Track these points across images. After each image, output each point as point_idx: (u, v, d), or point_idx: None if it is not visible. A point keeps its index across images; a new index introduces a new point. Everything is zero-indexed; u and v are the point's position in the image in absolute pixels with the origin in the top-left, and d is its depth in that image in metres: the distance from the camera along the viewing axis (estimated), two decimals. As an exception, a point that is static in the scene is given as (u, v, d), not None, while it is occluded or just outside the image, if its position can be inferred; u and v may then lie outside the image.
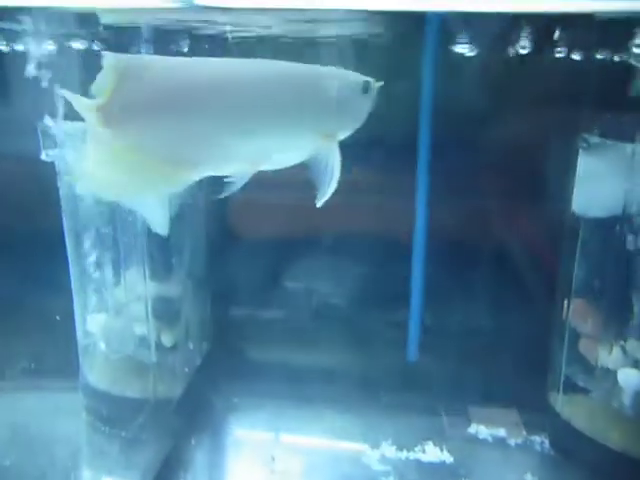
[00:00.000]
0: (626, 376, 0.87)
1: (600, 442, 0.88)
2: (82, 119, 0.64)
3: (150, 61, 0.67)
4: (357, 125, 0.75)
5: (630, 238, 0.84)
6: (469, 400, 1.14)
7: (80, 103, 0.63)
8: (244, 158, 0.70)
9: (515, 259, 1.18)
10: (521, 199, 1.15)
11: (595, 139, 0.89)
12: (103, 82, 0.63)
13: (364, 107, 0.75)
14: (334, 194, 0.72)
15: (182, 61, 0.69)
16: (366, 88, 0.75)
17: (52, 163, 0.90)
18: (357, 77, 0.76)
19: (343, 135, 0.76)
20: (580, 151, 0.92)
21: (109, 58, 0.62)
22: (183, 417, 1.01)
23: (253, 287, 1.29)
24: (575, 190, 0.94)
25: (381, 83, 0.76)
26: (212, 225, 1.23)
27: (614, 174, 0.86)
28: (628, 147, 0.83)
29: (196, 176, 0.69)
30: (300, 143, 0.72)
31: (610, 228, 0.87)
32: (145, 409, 0.92)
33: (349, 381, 1.18)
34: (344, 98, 0.73)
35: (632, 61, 0.88)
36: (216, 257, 1.21)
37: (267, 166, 0.72)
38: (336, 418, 1.09)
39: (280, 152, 0.72)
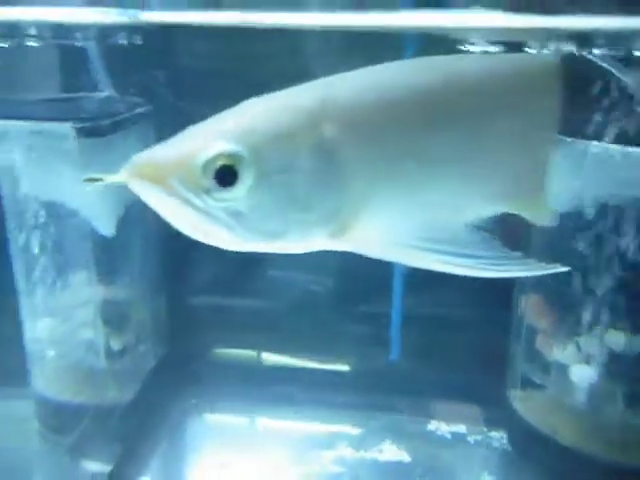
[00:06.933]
0: (578, 372, 0.86)
1: (553, 439, 0.87)
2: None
3: None
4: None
5: (579, 233, 0.83)
6: (432, 397, 1.13)
7: None
8: None
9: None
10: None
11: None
12: None
13: None
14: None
15: None
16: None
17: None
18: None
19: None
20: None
21: None
22: (135, 422, 0.98)
23: (215, 287, 1.27)
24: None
25: None
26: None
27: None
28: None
29: None
30: None
31: (559, 222, 0.86)
32: (88, 415, 0.90)
33: (310, 381, 1.17)
34: None
35: None
36: (174, 257, 1.18)
37: None
38: (294, 420, 1.07)
39: None
